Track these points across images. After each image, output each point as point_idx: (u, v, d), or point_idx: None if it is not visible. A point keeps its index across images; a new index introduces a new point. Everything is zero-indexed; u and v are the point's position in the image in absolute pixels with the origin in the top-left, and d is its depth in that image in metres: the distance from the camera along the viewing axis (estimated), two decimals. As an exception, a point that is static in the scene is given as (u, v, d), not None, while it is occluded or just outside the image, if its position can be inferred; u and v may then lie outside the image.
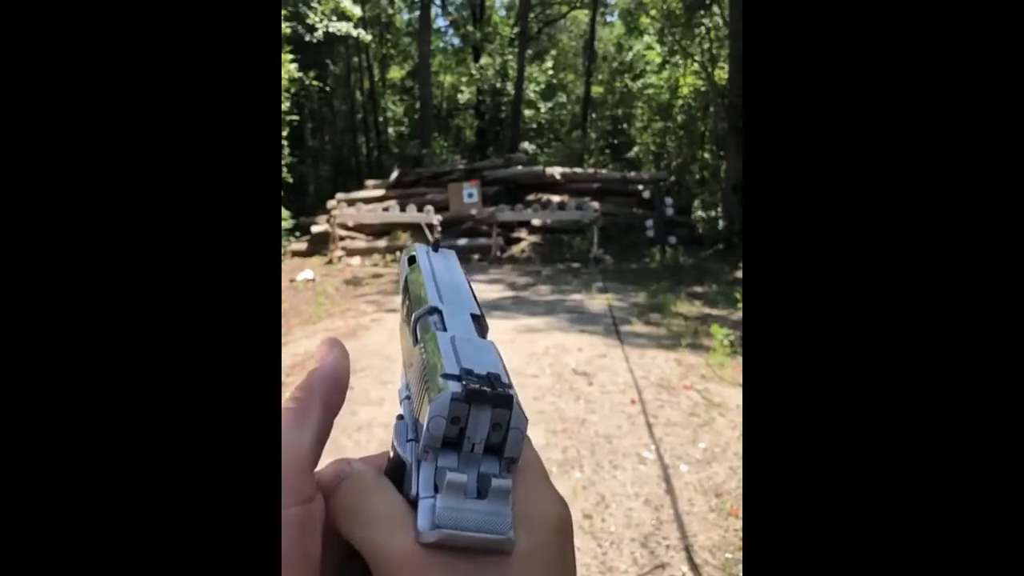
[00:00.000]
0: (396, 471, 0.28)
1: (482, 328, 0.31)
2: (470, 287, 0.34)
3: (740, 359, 4.54)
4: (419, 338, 0.30)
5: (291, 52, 12.06)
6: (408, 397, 0.30)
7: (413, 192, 12.08)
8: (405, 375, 0.32)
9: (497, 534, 0.24)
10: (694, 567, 2.30)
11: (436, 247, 0.37)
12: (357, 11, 14.76)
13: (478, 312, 0.32)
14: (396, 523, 0.25)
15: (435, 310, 0.31)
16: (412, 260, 0.36)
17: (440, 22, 23.91)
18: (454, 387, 0.25)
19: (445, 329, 0.30)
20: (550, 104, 21.67)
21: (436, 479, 0.25)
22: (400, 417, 0.30)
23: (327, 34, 14.02)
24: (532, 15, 20.44)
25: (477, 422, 0.25)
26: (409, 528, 0.25)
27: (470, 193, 11.04)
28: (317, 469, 0.30)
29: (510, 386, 0.26)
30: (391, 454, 0.30)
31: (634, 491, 2.83)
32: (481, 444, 0.25)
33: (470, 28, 21.89)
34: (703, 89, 15.05)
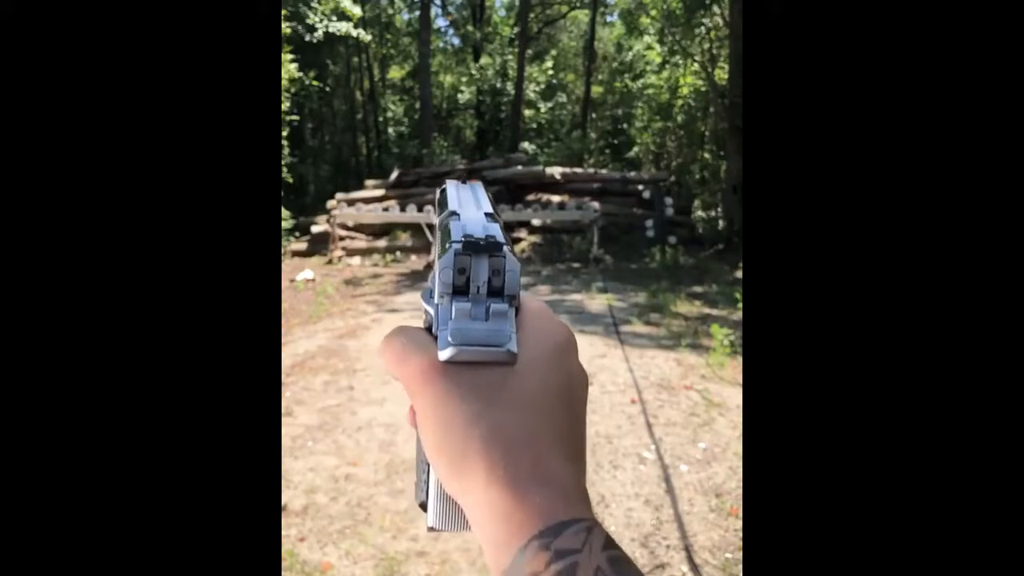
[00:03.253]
0: (427, 325, 0.34)
1: (495, 221, 0.36)
2: (490, 200, 0.40)
3: (740, 359, 4.54)
4: (440, 230, 0.36)
5: (291, 52, 12.05)
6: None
7: (413, 192, 12.08)
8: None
9: (498, 346, 0.30)
10: (694, 567, 2.31)
11: (464, 180, 0.43)
12: (357, 11, 14.75)
13: (492, 211, 0.37)
14: (421, 349, 0.31)
15: (454, 213, 0.36)
16: (443, 192, 0.42)
17: (440, 22, 23.91)
18: (456, 245, 0.31)
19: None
20: (550, 104, 21.66)
21: (450, 315, 0.31)
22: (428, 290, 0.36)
23: (327, 34, 14.01)
24: (532, 15, 20.43)
25: (478, 269, 0.31)
26: (431, 353, 0.31)
27: (470, 193, 11.00)
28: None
29: (506, 243, 0.32)
30: (424, 316, 0.35)
31: (634, 491, 2.83)
32: (484, 286, 0.31)
33: (470, 28, 21.88)
34: (703, 89, 15.04)
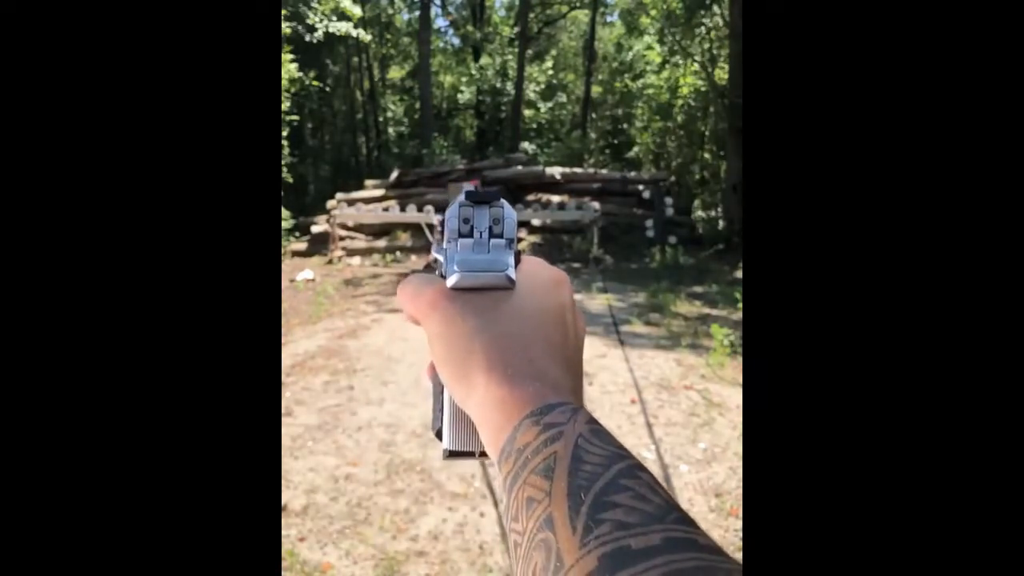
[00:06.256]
0: (438, 273, 0.38)
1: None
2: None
3: (740, 359, 4.54)
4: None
5: (291, 52, 12.05)
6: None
7: (413, 192, 12.07)
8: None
9: (499, 271, 0.35)
10: (694, 567, 2.30)
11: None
12: (357, 11, 14.74)
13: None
14: (432, 284, 0.36)
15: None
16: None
17: (440, 22, 23.91)
18: (460, 197, 0.37)
19: None
20: (550, 104, 21.65)
21: (456, 251, 0.36)
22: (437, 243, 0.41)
23: (327, 34, 14.01)
24: (532, 15, 20.43)
25: (480, 217, 0.36)
26: (440, 285, 0.36)
27: (470, 193, 11.01)
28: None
29: (503, 197, 0.38)
30: (435, 267, 0.40)
31: (634, 491, 2.83)
32: (486, 232, 0.36)
33: (470, 28, 21.89)
34: (703, 89, 15.04)
